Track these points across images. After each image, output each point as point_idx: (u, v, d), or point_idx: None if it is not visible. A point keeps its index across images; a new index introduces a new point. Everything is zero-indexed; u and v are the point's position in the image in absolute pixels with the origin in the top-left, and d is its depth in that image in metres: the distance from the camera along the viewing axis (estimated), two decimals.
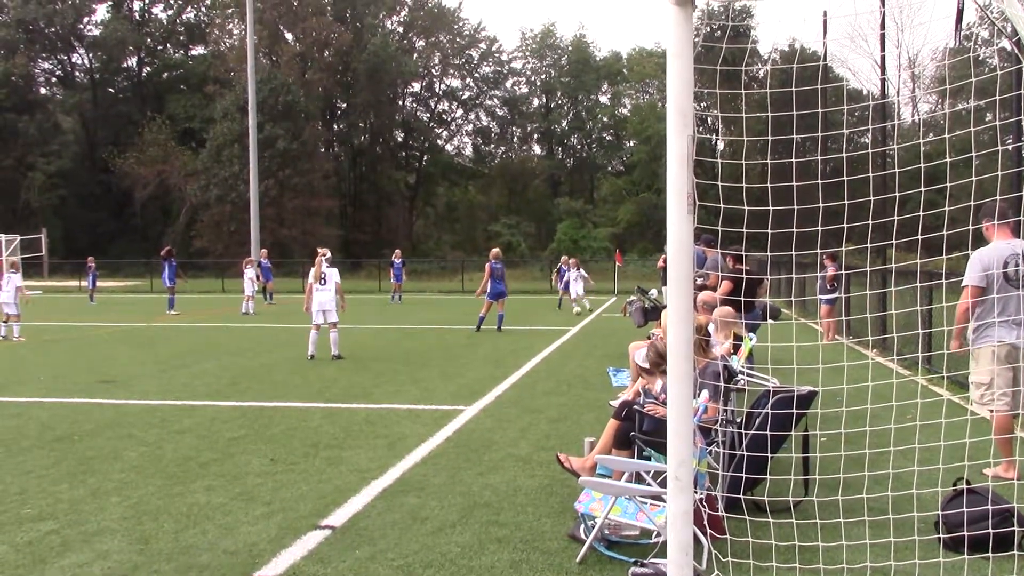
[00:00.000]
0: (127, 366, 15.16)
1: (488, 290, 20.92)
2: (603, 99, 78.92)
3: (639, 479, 6.02)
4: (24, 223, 58.78)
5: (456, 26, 77.36)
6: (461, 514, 6.35)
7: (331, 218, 68.62)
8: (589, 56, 77.31)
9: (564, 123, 78.46)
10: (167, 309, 28.37)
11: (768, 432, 5.98)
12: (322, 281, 15.92)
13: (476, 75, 79.12)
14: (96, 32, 75.27)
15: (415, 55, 77.01)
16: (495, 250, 21.71)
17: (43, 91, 75.55)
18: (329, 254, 16.38)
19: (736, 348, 8.29)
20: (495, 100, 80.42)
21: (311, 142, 66.27)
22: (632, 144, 73.01)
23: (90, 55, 76.17)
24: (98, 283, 37.59)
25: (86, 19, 75.00)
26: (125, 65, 77.94)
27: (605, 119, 77.58)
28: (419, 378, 13.31)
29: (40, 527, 6.15)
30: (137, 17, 77.58)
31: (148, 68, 78.77)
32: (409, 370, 14.25)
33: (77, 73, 77.58)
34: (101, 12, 76.14)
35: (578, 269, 28.50)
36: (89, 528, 6.11)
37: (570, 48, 77.47)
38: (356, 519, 6.27)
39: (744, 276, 10.33)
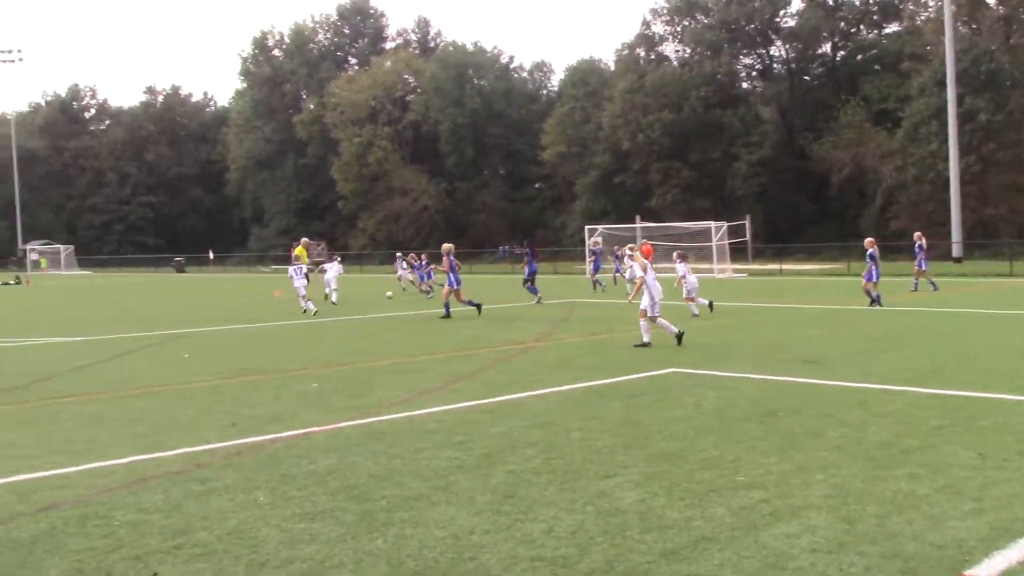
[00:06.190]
0: (824, 347, 15.47)
1: None
2: None
3: None
4: (730, 210, 63.31)
5: None
6: None
7: None
8: None
9: None
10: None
11: None
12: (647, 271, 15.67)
13: None
14: (791, 23, 78.15)
15: None
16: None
17: (744, 85, 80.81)
18: None
19: None
20: None
21: (1018, 112, 60.83)
22: None
23: (786, 46, 79.39)
24: (797, 265, 38.66)
25: (782, 12, 78.20)
26: (819, 52, 79.77)
27: None
28: None
29: (752, 495, 6.57)
30: (830, 3, 78.65)
31: (842, 52, 79.45)
32: None
33: (775, 65, 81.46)
34: (795, 3, 78.79)
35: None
36: (796, 502, 6.37)
37: None
38: None
39: None
